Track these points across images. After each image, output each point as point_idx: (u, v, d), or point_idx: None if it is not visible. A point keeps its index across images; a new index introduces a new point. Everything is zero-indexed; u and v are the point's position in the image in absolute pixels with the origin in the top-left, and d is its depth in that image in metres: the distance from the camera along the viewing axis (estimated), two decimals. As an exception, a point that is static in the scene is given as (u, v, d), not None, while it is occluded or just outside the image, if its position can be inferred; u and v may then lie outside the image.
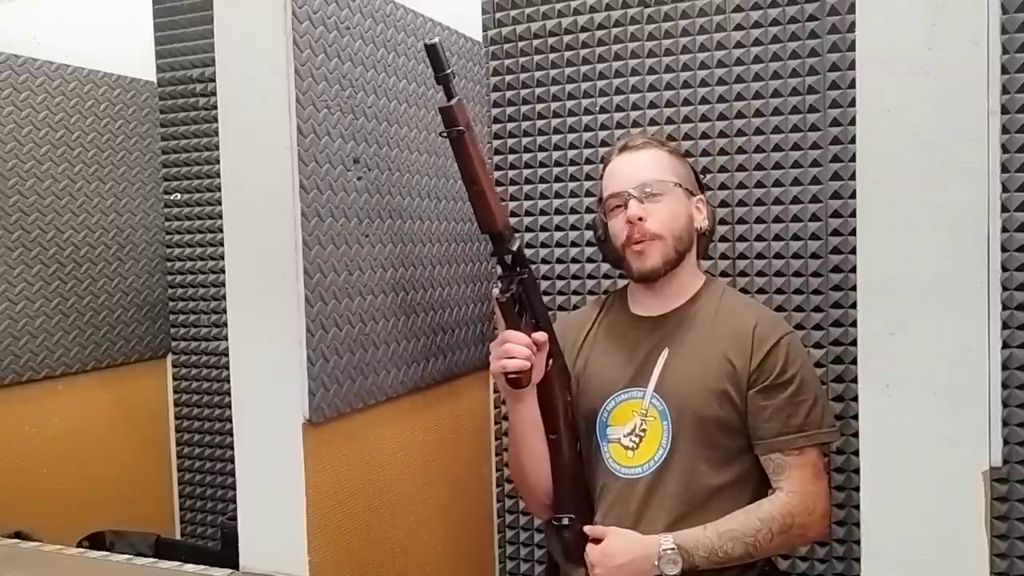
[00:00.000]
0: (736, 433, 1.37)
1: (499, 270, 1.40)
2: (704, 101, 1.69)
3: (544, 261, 1.85)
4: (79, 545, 1.88)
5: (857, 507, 1.36)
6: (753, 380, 1.35)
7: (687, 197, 1.41)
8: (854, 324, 1.40)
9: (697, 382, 1.37)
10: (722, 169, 1.67)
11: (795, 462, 1.33)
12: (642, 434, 1.39)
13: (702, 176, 1.55)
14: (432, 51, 1.30)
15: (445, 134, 1.34)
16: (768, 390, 1.34)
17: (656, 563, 1.30)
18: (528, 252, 1.85)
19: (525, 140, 1.84)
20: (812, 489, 1.33)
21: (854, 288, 1.36)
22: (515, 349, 1.34)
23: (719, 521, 1.32)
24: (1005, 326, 1.39)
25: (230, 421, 1.34)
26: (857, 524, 1.30)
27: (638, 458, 1.39)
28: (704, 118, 1.69)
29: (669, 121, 1.71)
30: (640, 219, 1.36)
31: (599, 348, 1.48)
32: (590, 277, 1.81)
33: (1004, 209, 1.39)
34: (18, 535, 1.68)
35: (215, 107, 1.32)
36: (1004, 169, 1.38)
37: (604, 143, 1.77)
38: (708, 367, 1.36)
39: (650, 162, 1.40)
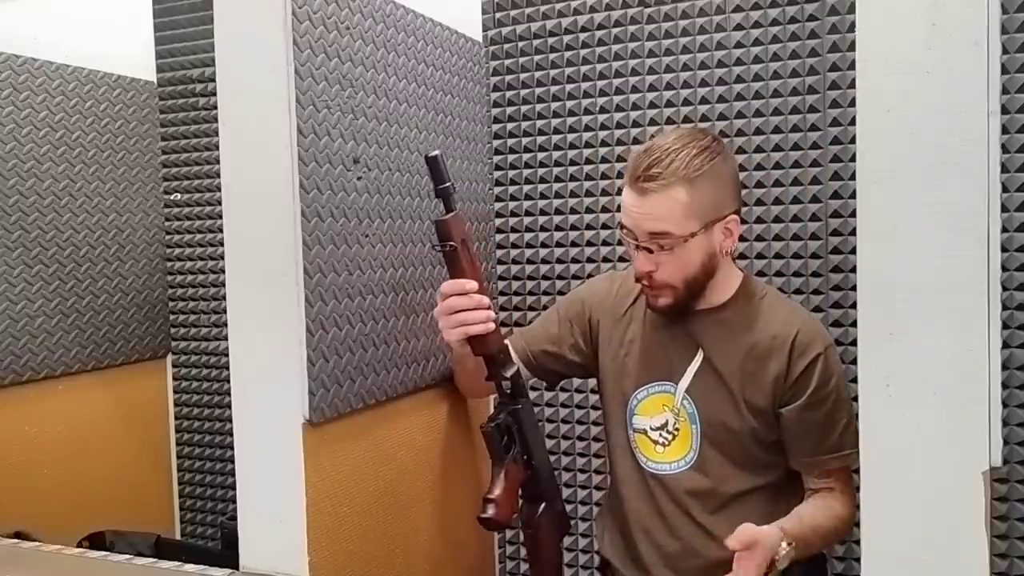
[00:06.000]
0: (767, 443, 1.36)
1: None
2: (704, 101, 1.69)
3: (544, 261, 1.85)
4: (79, 545, 1.88)
5: (857, 507, 1.36)
6: (789, 396, 1.33)
7: (708, 233, 1.29)
8: (854, 324, 1.40)
9: (730, 394, 1.35)
10: (722, 169, 1.67)
11: (842, 465, 1.34)
12: (675, 432, 1.38)
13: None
14: (433, 163, 1.28)
15: (438, 247, 1.30)
16: (803, 409, 1.33)
17: (776, 558, 1.25)
18: (527, 252, 1.85)
19: (525, 140, 1.84)
20: (852, 490, 1.34)
21: (854, 288, 1.36)
22: (473, 315, 1.31)
23: (806, 515, 1.31)
24: (1005, 326, 1.39)
25: (230, 421, 1.34)
26: (857, 524, 1.30)
27: (668, 455, 1.39)
28: (704, 118, 1.69)
29: (669, 121, 1.71)
30: (649, 272, 1.31)
31: (636, 328, 1.44)
32: (590, 277, 1.81)
33: (1004, 209, 1.39)
34: (18, 535, 1.68)
35: (215, 107, 1.31)
36: (1004, 169, 1.38)
37: (604, 143, 1.77)
38: (742, 379, 1.35)
39: (661, 211, 1.26)
